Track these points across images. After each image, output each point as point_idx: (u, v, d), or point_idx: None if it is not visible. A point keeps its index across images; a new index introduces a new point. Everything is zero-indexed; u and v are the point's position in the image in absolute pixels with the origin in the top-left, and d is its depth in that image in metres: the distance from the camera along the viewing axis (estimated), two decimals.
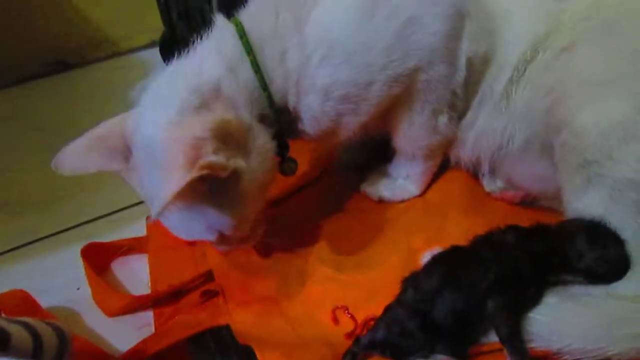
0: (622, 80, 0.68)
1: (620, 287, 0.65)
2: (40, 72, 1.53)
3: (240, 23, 0.74)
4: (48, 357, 0.57)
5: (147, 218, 0.97)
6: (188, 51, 0.74)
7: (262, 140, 0.72)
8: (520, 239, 0.68)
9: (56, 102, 1.43)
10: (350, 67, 0.73)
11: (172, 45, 1.37)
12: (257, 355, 0.67)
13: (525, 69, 0.77)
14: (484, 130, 0.83)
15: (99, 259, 0.91)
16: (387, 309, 0.67)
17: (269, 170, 0.74)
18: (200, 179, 0.61)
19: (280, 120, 0.76)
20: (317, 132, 0.79)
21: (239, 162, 0.66)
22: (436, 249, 0.73)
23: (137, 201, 1.04)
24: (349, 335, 0.71)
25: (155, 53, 1.43)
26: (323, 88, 0.74)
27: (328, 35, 0.73)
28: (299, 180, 0.93)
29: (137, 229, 0.96)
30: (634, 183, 0.66)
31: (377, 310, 0.72)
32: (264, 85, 0.73)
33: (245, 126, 0.70)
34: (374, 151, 0.97)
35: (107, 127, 0.72)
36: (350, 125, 0.79)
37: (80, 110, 1.38)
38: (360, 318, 0.73)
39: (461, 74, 0.79)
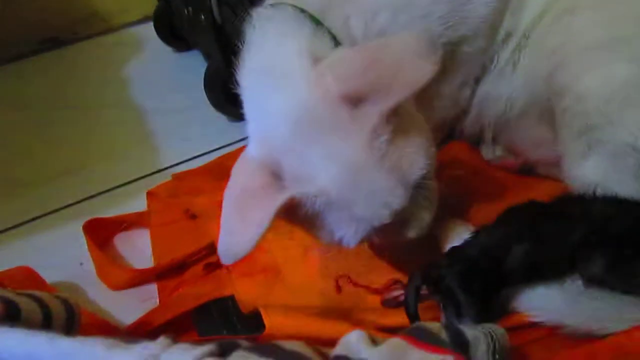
0: (623, 45, 0.68)
1: None
2: (33, 49, 1.50)
3: (287, 4, 0.70)
4: (57, 328, 0.57)
5: (148, 193, 0.97)
6: (248, 52, 0.68)
7: None
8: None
9: (50, 80, 1.41)
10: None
11: (166, 19, 1.36)
12: (262, 313, 0.67)
13: (530, 34, 0.78)
14: (488, 97, 0.83)
15: (101, 234, 0.91)
16: (455, 251, 0.67)
17: None
18: None
19: None
20: None
21: None
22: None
23: (137, 176, 1.05)
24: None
25: (149, 28, 1.41)
26: None
27: (389, 2, 0.72)
28: None
29: (138, 204, 0.96)
30: (634, 149, 0.66)
31: (379, 278, 0.74)
32: None
33: None
34: None
35: (246, 181, 0.61)
36: None
37: (75, 87, 1.37)
38: (362, 286, 0.74)
39: (496, 48, 0.79)
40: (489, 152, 0.89)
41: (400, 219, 0.63)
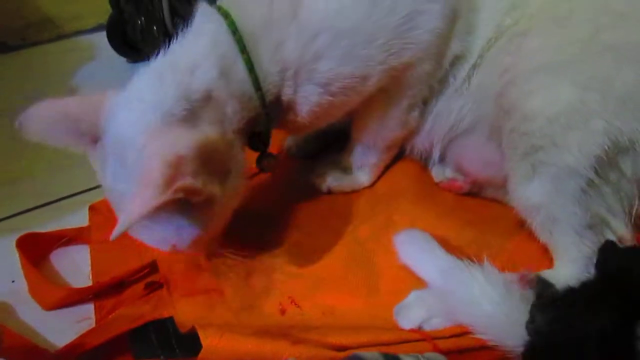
0: (568, 69, 0.69)
1: None
2: None
3: (228, 14, 0.70)
4: None
5: (90, 207, 0.93)
6: (172, 44, 0.70)
7: (240, 160, 0.71)
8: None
9: None
10: (351, 59, 0.73)
11: (119, 28, 1.33)
12: (198, 332, 0.65)
13: (485, 55, 0.79)
14: (441, 113, 0.84)
15: (37, 250, 0.87)
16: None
17: (241, 194, 0.72)
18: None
19: (269, 115, 0.74)
20: (308, 122, 0.78)
21: (215, 189, 0.64)
22: None
23: (78, 190, 1.00)
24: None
25: (102, 36, 1.38)
26: (324, 80, 0.73)
27: (331, 25, 0.71)
28: None
29: (79, 219, 0.92)
30: (575, 171, 0.67)
31: (323, 300, 0.73)
32: (257, 85, 0.71)
33: (229, 144, 0.68)
34: (323, 140, 0.97)
35: (81, 107, 0.68)
36: (337, 114, 0.80)
37: (23, 94, 1.31)
38: (306, 308, 0.72)
39: (442, 71, 0.80)
40: (439, 174, 0.90)
41: None
